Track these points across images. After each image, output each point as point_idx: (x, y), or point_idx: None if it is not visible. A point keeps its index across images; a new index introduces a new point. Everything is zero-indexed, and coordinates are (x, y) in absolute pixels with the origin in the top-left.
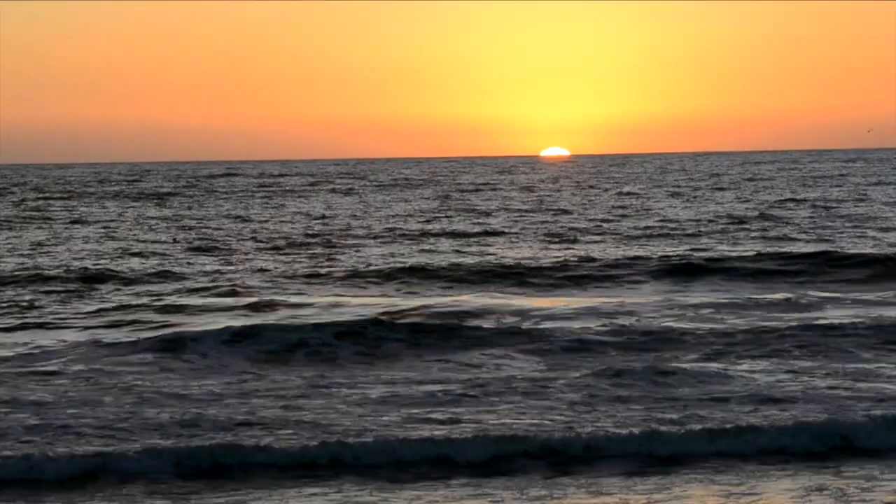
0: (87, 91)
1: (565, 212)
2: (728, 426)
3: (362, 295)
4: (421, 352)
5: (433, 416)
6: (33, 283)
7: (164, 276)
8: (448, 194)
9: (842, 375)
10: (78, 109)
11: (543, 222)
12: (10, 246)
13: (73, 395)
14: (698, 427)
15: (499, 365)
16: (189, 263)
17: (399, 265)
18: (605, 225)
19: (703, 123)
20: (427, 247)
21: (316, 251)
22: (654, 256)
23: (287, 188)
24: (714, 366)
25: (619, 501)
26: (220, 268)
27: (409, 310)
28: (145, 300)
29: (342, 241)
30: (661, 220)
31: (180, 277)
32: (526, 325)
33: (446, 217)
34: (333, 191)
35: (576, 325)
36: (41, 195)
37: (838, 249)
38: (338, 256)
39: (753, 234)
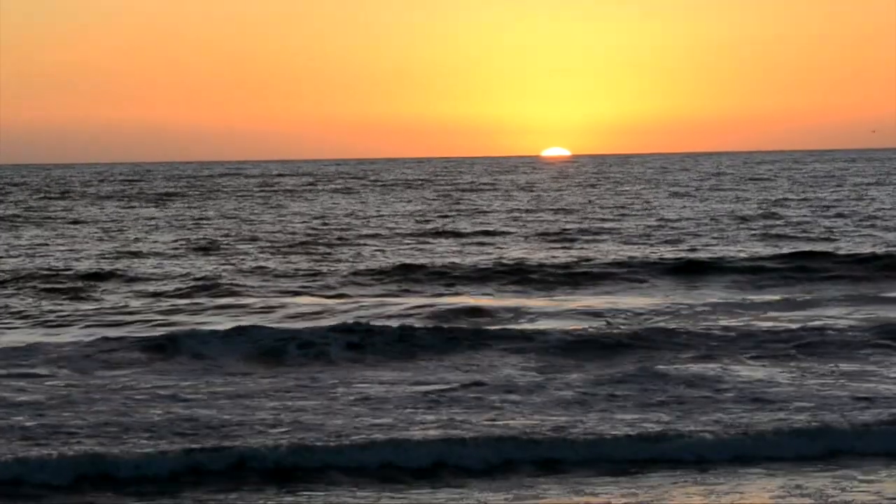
0: (87, 91)
1: (565, 211)
2: (721, 428)
3: (361, 294)
4: (418, 351)
5: (427, 417)
6: (29, 282)
7: (162, 276)
8: (448, 194)
9: (837, 375)
10: (79, 110)
11: (543, 222)
12: (7, 246)
13: (66, 395)
14: (690, 428)
15: (495, 365)
16: (187, 263)
17: (398, 264)
18: (604, 225)
19: (705, 123)
20: (426, 246)
21: (315, 251)
22: (653, 257)
23: (287, 188)
24: (709, 366)
25: (602, 502)
26: (218, 267)
27: (408, 309)
28: (142, 300)
29: (341, 241)
30: (661, 220)
31: (178, 277)
32: (523, 324)
33: (446, 217)
34: (334, 191)
35: (573, 324)
36: (41, 195)
37: (837, 249)
38: (337, 256)
39: (753, 233)
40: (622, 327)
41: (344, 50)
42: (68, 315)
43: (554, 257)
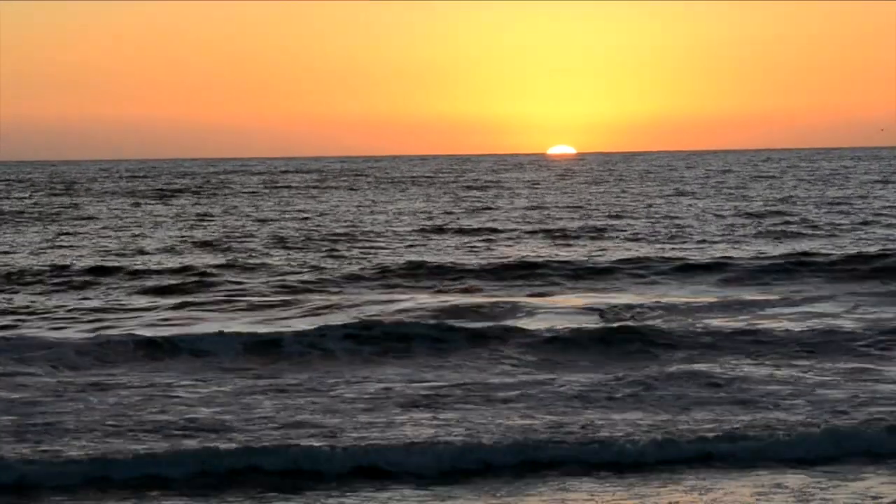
0: (94, 88)
1: (570, 209)
2: (716, 430)
3: (364, 292)
4: (418, 350)
5: (423, 417)
6: (30, 280)
7: (165, 272)
8: (454, 191)
9: (836, 374)
10: (85, 107)
11: (548, 219)
12: (12, 242)
13: (63, 394)
14: (687, 429)
15: (494, 364)
16: (190, 259)
17: (402, 261)
18: (608, 223)
19: (710, 121)
20: (431, 244)
21: (319, 248)
22: (656, 254)
23: (293, 185)
24: (709, 365)
25: (597, 501)
26: (221, 265)
27: (411, 306)
28: (143, 297)
29: (345, 237)
30: (665, 217)
31: (181, 273)
32: (525, 322)
33: (451, 214)
34: (339, 187)
35: (575, 322)
36: (45, 192)
37: (841, 247)
38: (341, 254)
39: (756, 232)
40: (624, 324)
41: (349, 48)
42: (66, 313)
43: (558, 255)
